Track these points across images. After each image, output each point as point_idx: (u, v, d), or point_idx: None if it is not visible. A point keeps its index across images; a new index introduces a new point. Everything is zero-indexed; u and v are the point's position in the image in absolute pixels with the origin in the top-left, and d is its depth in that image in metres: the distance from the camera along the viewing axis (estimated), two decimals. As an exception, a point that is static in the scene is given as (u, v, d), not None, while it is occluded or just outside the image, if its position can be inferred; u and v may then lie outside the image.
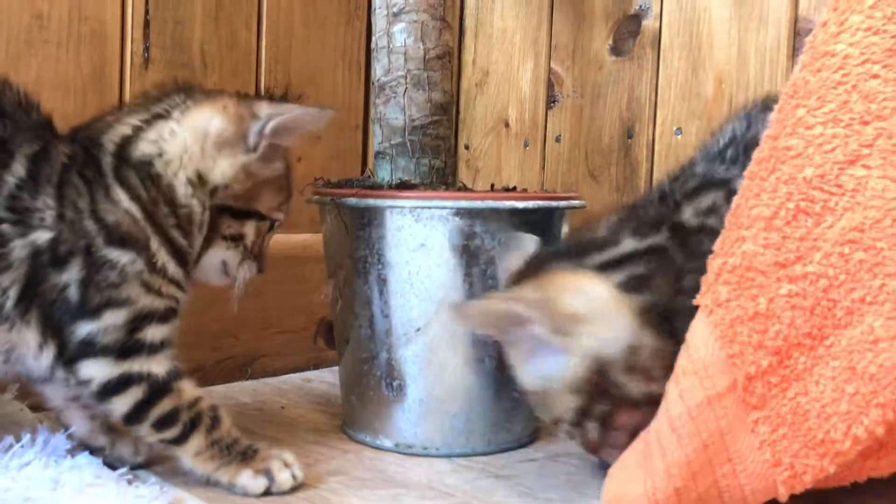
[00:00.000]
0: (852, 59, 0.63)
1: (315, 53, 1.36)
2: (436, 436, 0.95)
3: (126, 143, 0.81)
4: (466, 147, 1.51)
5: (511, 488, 0.86)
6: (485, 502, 0.83)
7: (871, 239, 0.61)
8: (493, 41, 1.48)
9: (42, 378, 0.82)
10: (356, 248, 0.96)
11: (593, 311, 0.72)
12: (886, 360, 0.59)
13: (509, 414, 0.97)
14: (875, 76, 0.63)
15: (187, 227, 0.82)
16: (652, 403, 0.69)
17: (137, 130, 0.82)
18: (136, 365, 0.78)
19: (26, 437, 0.82)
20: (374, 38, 1.04)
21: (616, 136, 1.32)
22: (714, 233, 0.73)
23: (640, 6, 1.29)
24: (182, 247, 0.82)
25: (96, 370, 0.77)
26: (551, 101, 1.40)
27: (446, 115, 1.04)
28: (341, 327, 1.02)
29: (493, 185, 1.13)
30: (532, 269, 0.79)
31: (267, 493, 0.80)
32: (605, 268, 0.75)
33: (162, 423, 0.78)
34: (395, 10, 1.02)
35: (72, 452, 0.83)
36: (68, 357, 0.77)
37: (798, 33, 1.14)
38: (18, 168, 0.77)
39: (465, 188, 1.05)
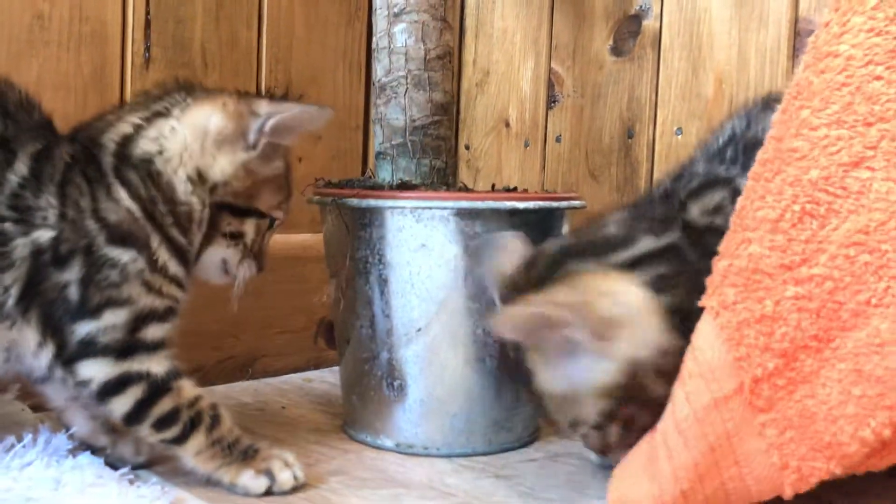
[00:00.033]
0: (855, 60, 0.63)
1: (316, 53, 1.36)
2: (436, 436, 0.96)
3: (127, 142, 0.81)
4: (467, 147, 1.51)
5: (511, 488, 0.87)
6: (485, 502, 0.83)
7: (877, 241, 0.61)
8: (493, 41, 1.48)
9: (41, 377, 0.82)
10: (357, 248, 0.96)
11: (630, 315, 0.70)
12: (893, 363, 0.59)
13: (510, 414, 0.97)
14: (878, 77, 0.63)
15: (187, 225, 0.82)
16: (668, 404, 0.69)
17: (138, 128, 0.82)
18: (136, 364, 0.78)
19: (28, 438, 0.82)
20: (374, 39, 1.04)
21: (616, 137, 1.32)
22: (721, 232, 0.73)
23: (641, 6, 1.29)
24: (182, 245, 0.82)
25: (96, 370, 0.77)
26: (552, 101, 1.40)
27: (447, 116, 1.05)
28: (342, 327, 1.02)
29: (493, 186, 1.13)
30: (550, 269, 0.77)
31: (268, 493, 0.81)
32: (628, 267, 0.74)
33: (162, 423, 0.78)
34: (395, 10, 1.02)
35: (73, 452, 0.83)
36: (67, 357, 0.77)
37: (798, 34, 1.14)
38: (21, 167, 0.77)
39: (465, 188, 1.05)
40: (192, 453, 0.80)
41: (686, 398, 0.65)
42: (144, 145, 0.81)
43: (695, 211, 0.77)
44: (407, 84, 1.01)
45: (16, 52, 1.06)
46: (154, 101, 0.85)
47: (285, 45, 1.32)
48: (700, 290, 0.68)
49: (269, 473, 0.81)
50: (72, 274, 0.76)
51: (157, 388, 0.78)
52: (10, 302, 0.76)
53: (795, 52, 1.15)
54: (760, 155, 0.67)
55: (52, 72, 1.09)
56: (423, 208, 0.92)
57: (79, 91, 1.11)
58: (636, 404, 0.72)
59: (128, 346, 0.77)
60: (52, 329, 0.77)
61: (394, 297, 0.94)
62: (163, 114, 0.83)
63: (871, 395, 0.60)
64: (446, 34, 1.04)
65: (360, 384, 0.99)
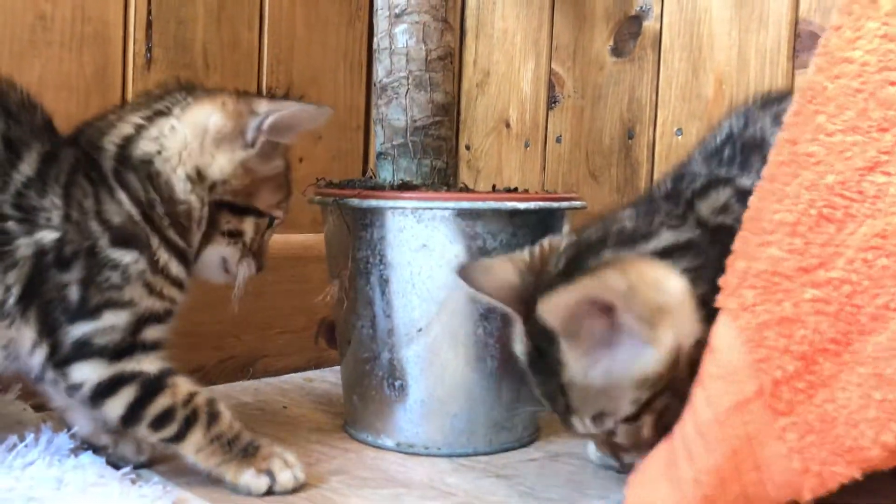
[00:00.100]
0: (870, 66, 0.63)
1: (317, 54, 1.36)
2: (437, 435, 0.96)
3: (127, 143, 0.82)
4: (467, 147, 1.52)
5: (512, 488, 0.87)
6: (486, 502, 0.83)
7: (894, 245, 0.60)
8: (494, 42, 1.48)
9: (37, 377, 0.82)
10: (358, 248, 0.96)
11: (675, 303, 0.69)
12: None
13: (510, 414, 0.97)
14: (892, 83, 0.62)
15: (186, 224, 0.82)
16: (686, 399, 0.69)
17: (139, 128, 0.83)
18: (129, 365, 0.78)
19: (30, 437, 0.82)
20: (376, 39, 1.05)
21: (617, 137, 1.32)
22: (733, 231, 0.73)
23: (641, 7, 1.29)
24: (181, 245, 0.82)
25: (88, 372, 0.77)
26: (552, 101, 1.40)
27: (448, 116, 1.05)
28: (343, 327, 1.02)
29: (494, 186, 1.14)
30: (580, 260, 0.75)
31: (269, 491, 0.81)
32: (660, 257, 0.73)
33: (159, 422, 0.79)
34: (396, 11, 1.02)
35: (75, 452, 0.83)
36: (60, 358, 0.77)
37: (798, 35, 1.15)
38: (26, 168, 0.77)
39: (466, 189, 1.05)
40: (191, 451, 0.80)
41: (707, 401, 0.64)
42: (145, 146, 0.82)
43: (704, 209, 0.77)
44: (408, 85, 1.02)
45: (18, 53, 1.06)
46: (155, 101, 0.85)
47: (286, 46, 1.32)
48: (718, 287, 0.68)
49: (270, 473, 0.81)
50: (73, 275, 0.76)
51: (151, 387, 0.78)
52: (11, 301, 0.76)
53: (795, 53, 1.15)
54: (773, 157, 0.67)
55: (55, 72, 1.09)
56: (424, 209, 0.92)
57: (81, 91, 1.11)
58: (671, 395, 0.70)
59: (124, 348, 0.78)
60: (49, 329, 0.77)
61: (395, 297, 0.94)
62: (164, 113, 0.84)
63: (892, 399, 0.59)
64: (447, 35, 1.04)
65: (361, 384, 0.99)
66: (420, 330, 0.94)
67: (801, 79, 1.14)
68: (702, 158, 0.83)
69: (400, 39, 1.02)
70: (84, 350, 0.77)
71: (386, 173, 1.04)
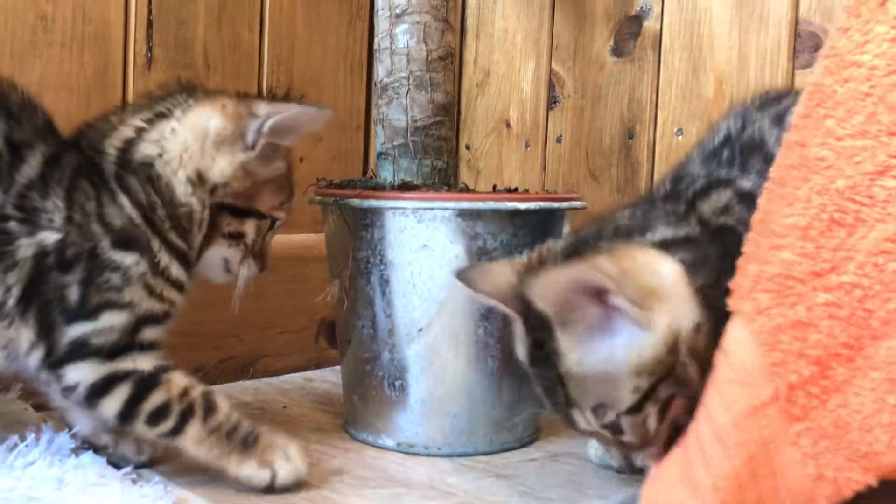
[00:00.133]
0: (878, 70, 0.63)
1: (317, 54, 1.36)
2: (437, 435, 0.96)
3: (128, 146, 0.82)
4: (468, 147, 1.52)
5: (512, 488, 0.87)
6: (486, 502, 0.83)
7: None
8: (494, 41, 1.48)
9: (32, 377, 0.82)
10: (359, 248, 0.96)
11: (670, 286, 0.69)
12: None
13: (511, 414, 0.98)
14: None
15: (187, 226, 0.83)
16: (695, 396, 0.68)
17: (140, 131, 0.83)
18: (123, 364, 0.78)
19: (31, 437, 0.83)
20: (376, 40, 1.05)
21: (617, 137, 1.32)
22: (735, 232, 0.72)
23: (642, 7, 1.29)
24: (182, 248, 0.83)
25: (83, 373, 0.77)
26: (552, 101, 1.40)
27: (448, 116, 1.05)
28: (344, 327, 1.02)
29: (494, 186, 1.14)
30: (578, 253, 0.75)
31: (271, 483, 0.81)
32: (657, 249, 0.72)
33: (155, 418, 0.79)
34: (397, 11, 1.02)
35: (76, 451, 0.83)
36: (56, 359, 0.77)
37: (798, 35, 1.15)
38: (29, 169, 0.78)
39: (466, 189, 1.06)
40: (190, 444, 0.79)
41: (726, 406, 0.64)
42: (145, 149, 0.82)
43: (706, 210, 0.77)
44: (409, 85, 1.02)
45: (19, 53, 1.06)
46: (156, 103, 0.85)
47: (287, 47, 1.32)
48: (721, 284, 0.68)
49: (272, 466, 0.81)
50: (74, 276, 0.77)
51: (146, 383, 0.78)
52: (11, 302, 0.76)
53: (795, 53, 1.15)
54: (781, 159, 0.66)
55: (55, 72, 1.09)
56: (425, 209, 0.92)
57: (81, 91, 1.11)
58: (674, 384, 0.70)
59: (120, 348, 0.78)
60: (47, 331, 0.77)
61: (395, 297, 0.94)
62: (165, 115, 0.84)
63: None
64: (448, 35, 1.04)
65: (362, 384, 0.99)
66: (420, 330, 0.94)
67: (802, 79, 1.14)
68: (700, 159, 0.82)
69: (401, 39, 1.02)
70: (80, 350, 0.77)
71: (386, 173, 1.04)
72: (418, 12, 1.02)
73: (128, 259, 0.78)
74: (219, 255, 0.86)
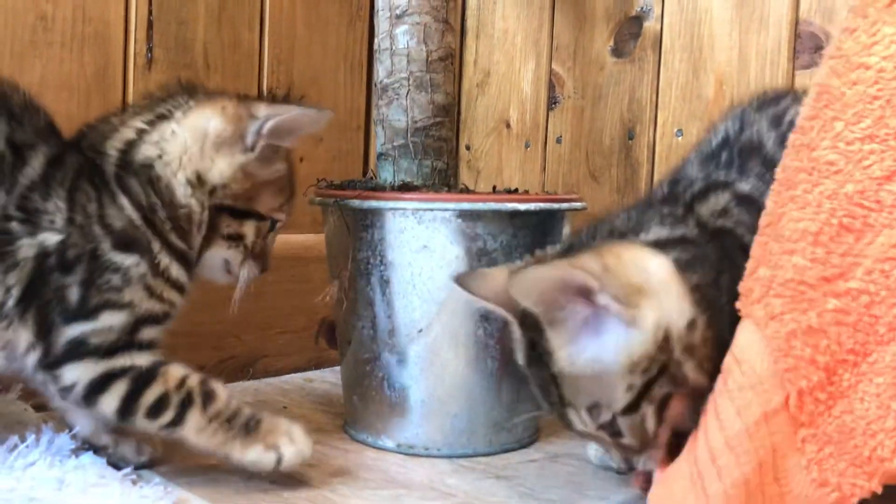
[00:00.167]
0: (886, 73, 0.62)
1: (317, 55, 1.36)
2: (437, 436, 0.96)
3: (129, 148, 0.82)
4: (468, 148, 1.52)
5: (512, 489, 0.87)
6: (486, 503, 0.83)
7: None
8: (494, 42, 1.48)
9: (29, 377, 0.82)
10: (359, 249, 0.96)
11: (658, 282, 0.68)
12: None
13: (510, 414, 0.98)
14: None
15: (187, 228, 0.83)
16: (697, 398, 0.68)
17: (141, 133, 0.83)
18: (120, 361, 0.78)
19: (31, 437, 0.83)
20: (376, 40, 1.05)
21: (617, 138, 1.32)
22: (731, 234, 0.72)
23: (642, 8, 1.29)
24: (182, 249, 0.83)
25: (81, 372, 0.77)
26: (552, 102, 1.40)
27: (448, 117, 1.05)
28: (343, 328, 1.02)
29: (494, 187, 1.14)
30: (567, 252, 0.75)
31: (277, 466, 0.80)
32: (650, 247, 0.72)
33: (154, 410, 0.78)
34: (397, 12, 1.02)
35: (76, 452, 0.83)
36: (53, 360, 0.77)
37: (799, 36, 1.15)
38: (31, 171, 0.78)
39: (466, 190, 1.06)
40: (192, 433, 0.79)
41: (737, 413, 0.63)
42: (146, 150, 0.82)
43: (704, 212, 0.76)
44: (409, 86, 1.02)
45: (19, 53, 1.06)
46: (157, 104, 0.85)
47: (287, 47, 1.32)
48: (720, 283, 0.67)
49: (277, 448, 0.81)
50: (75, 277, 0.77)
51: (143, 378, 0.78)
52: (11, 302, 0.76)
53: (796, 53, 1.15)
54: (790, 161, 0.66)
55: (55, 72, 1.09)
56: (425, 210, 0.92)
57: (81, 91, 1.11)
58: (669, 382, 0.69)
59: (119, 346, 0.78)
60: (45, 332, 0.77)
61: (395, 298, 0.95)
62: (166, 117, 0.84)
63: None
64: (448, 36, 1.04)
65: (362, 384, 0.99)
66: (420, 331, 0.94)
67: (802, 80, 1.14)
68: (698, 162, 0.82)
69: (401, 40, 1.02)
70: (78, 350, 0.77)
71: (386, 174, 1.04)
72: (418, 13, 1.02)
73: (128, 260, 0.78)
74: (219, 256, 0.87)
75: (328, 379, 1.31)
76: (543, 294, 0.68)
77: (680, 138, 1.25)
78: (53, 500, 0.74)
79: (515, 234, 0.94)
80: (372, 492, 0.85)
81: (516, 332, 0.77)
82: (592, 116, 1.35)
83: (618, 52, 1.32)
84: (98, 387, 0.78)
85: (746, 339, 0.64)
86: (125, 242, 0.78)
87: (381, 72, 1.04)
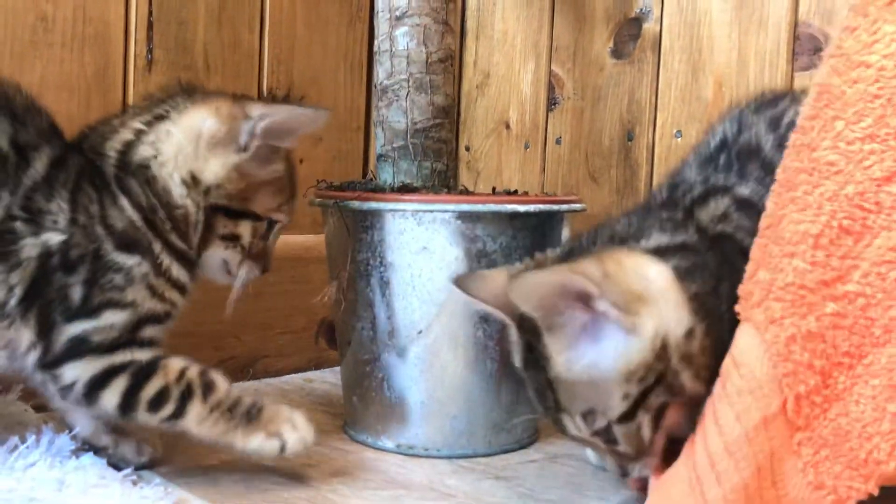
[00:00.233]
0: (887, 71, 0.62)
1: (317, 55, 1.36)
2: (437, 437, 0.96)
3: (128, 149, 0.82)
4: (467, 149, 1.52)
5: (511, 489, 0.87)
6: (485, 503, 0.83)
7: None
8: (494, 43, 1.49)
9: (29, 376, 0.82)
10: (358, 250, 0.96)
11: (658, 290, 0.68)
12: None
13: (510, 415, 0.98)
14: None
15: (184, 228, 0.83)
16: (694, 406, 0.68)
17: (139, 134, 0.83)
18: (120, 356, 0.78)
19: (31, 438, 0.83)
20: (376, 42, 1.05)
21: (616, 139, 1.32)
22: (731, 239, 0.71)
23: (641, 9, 1.29)
24: (182, 249, 0.83)
25: (81, 370, 0.78)
26: (552, 103, 1.41)
27: (448, 118, 1.05)
28: (343, 329, 1.03)
29: (494, 188, 1.14)
30: (567, 257, 0.74)
31: (280, 453, 0.81)
32: (650, 254, 0.71)
33: (155, 403, 0.79)
34: (397, 13, 1.02)
35: (76, 453, 0.84)
36: (53, 359, 0.78)
37: (798, 37, 1.15)
38: (34, 172, 0.78)
39: (466, 191, 1.06)
40: (194, 424, 0.79)
41: (737, 418, 0.63)
42: (143, 151, 0.82)
43: (704, 217, 0.76)
44: (408, 87, 1.02)
45: (19, 53, 1.06)
46: (156, 105, 0.86)
47: (287, 48, 1.32)
48: (720, 291, 0.67)
49: (280, 436, 0.81)
50: (78, 277, 0.77)
51: (142, 372, 0.79)
52: (13, 301, 0.76)
53: (795, 55, 1.15)
54: (790, 161, 0.65)
55: (56, 73, 1.09)
56: (425, 211, 0.92)
57: (82, 92, 1.11)
58: (666, 391, 0.69)
59: (120, 344, 0.78)
60: (46, 330, 0.77)
61: (395, 299, 0.95)
62: (163, 117, 0.84)
63: None
64: (448, 37, 1.04)
65: (361, 385, 1.00)
66: (420, 332, 0.94)
67: (801, 81, 1.14)
68: (696, 165, 0.82)
69: (400, 42, 1.02)
70: (80, 348, 0.77)
71: (386, 175, 1.04)
72: (418, 14, 1.02)
73: (130, 261, 0.78)
74: (217, 256, 0.87)
75: (328, 379, 1.31)
76: (543, 299, 0.68)
77: (679, 139, 1.25)
78: (54, 501, 0.74)
79: (515, 235, 0.94)
80: (372, 492, 0.85)
81: (514, 334, 0.77)
82: (592, 118, 1.35)
83: (617, 53, 1.32)
84: (98, 383, 0.78)
85: (746, 343, 0.64)
86: (126, 244, 0.79)
87: (380, 73, 1.04)
